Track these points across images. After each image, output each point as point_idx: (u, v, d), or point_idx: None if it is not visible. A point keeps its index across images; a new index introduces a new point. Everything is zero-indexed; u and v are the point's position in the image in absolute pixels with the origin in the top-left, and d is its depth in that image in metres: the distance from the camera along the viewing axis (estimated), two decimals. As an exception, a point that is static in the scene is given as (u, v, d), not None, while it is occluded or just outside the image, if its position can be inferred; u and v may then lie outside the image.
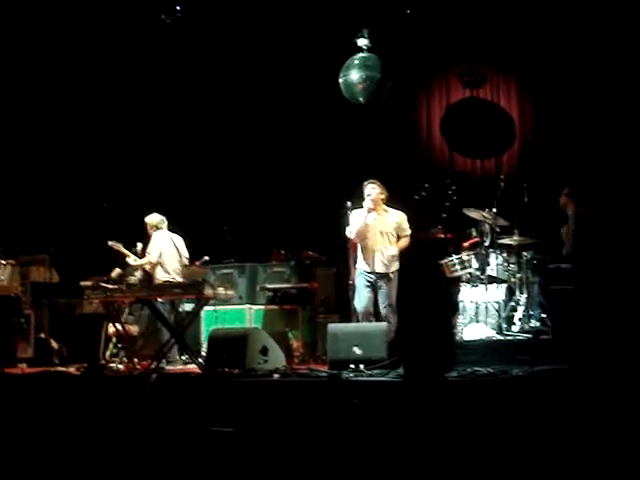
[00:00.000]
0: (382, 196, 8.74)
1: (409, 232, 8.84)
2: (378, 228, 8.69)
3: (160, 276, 9.42)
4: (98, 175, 12.32)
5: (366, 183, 8.75)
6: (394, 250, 8.64)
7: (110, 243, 9.61)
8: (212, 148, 12.26)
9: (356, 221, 8.71)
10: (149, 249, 9.58)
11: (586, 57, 10.69)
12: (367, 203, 8.64)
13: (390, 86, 10.57)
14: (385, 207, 8.80)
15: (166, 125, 12.37)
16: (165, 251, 9.58)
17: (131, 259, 9.65)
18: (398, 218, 8.81)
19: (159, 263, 9.49)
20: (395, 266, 8.70)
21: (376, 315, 8.59)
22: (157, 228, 9.70)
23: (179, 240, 9.77)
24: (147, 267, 9.61)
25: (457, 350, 7.47)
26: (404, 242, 8.80)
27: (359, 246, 8.78)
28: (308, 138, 11.83)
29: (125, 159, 12.37)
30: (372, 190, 8.68)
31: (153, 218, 9.77)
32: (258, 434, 5.81)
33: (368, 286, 8.61)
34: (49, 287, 11.03)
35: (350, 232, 8.75)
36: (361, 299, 8.63)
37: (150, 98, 12.24)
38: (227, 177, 12.15)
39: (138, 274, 9.63)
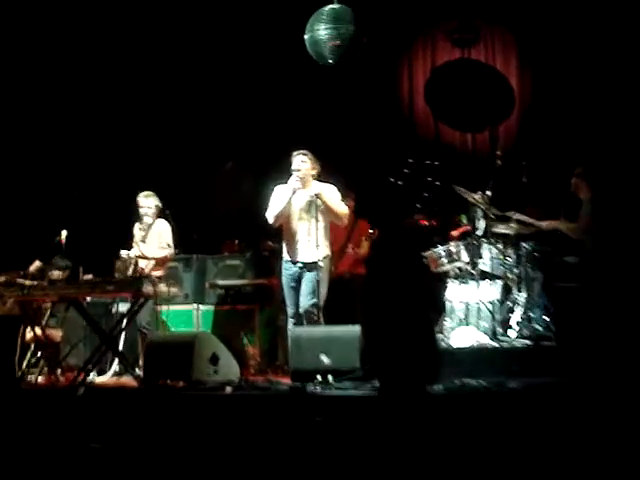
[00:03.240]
0: (313, 172, 8.50)
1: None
2: (303, 208, 8.49)
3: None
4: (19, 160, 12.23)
5: (295, 154, 8.50)
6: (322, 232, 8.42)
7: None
8: (153, 119, 12.22)
9: (278, 200, 8.48)
10: (167, 239, 9.40)
11: (596, 10, 10.79)
12: (293, 180, 8.40)
13: (365, 44, 10.59)
14: (313, 183, 8.49)
15: (99, 95, 12.28)
16: None
17: (144, 248, 9.22)
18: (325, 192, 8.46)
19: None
20: (324, 252, 8.50)
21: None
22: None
23: None
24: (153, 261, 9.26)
25: (442, 359, 7.55)
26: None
27: (283, 232, 8.61)
28: (268, 105, 11.83)
29: (55, 137, 12.27)
30: (301, 164, 8.43)
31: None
32: (206, 456, 5.86)
33: (293, 280, 8.48)
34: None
35: (269, 214, 8.53)
36: (289, 296, 8.56)
37: (83, 66, 12.17)
38: (169, 152, 12.09)
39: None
